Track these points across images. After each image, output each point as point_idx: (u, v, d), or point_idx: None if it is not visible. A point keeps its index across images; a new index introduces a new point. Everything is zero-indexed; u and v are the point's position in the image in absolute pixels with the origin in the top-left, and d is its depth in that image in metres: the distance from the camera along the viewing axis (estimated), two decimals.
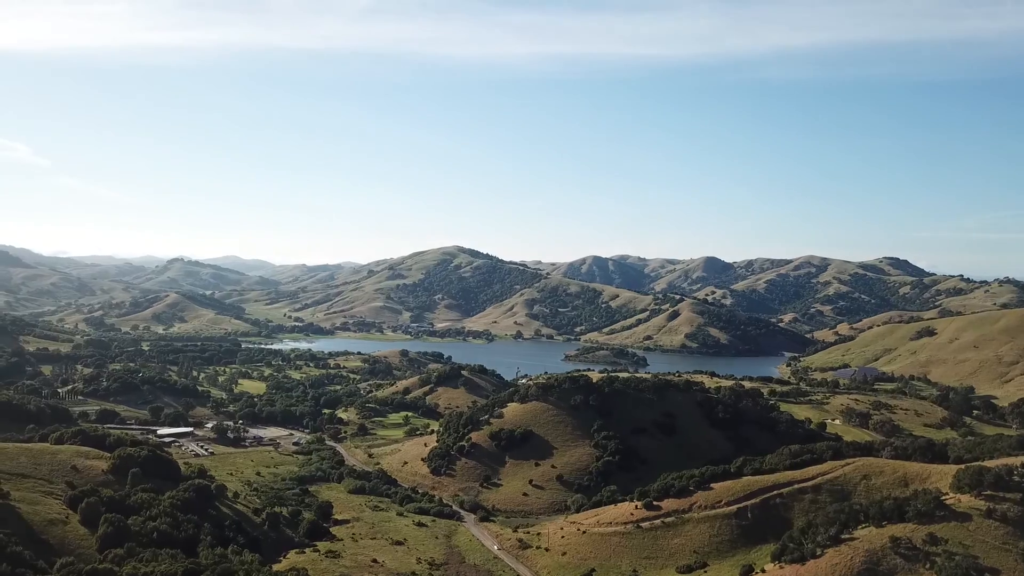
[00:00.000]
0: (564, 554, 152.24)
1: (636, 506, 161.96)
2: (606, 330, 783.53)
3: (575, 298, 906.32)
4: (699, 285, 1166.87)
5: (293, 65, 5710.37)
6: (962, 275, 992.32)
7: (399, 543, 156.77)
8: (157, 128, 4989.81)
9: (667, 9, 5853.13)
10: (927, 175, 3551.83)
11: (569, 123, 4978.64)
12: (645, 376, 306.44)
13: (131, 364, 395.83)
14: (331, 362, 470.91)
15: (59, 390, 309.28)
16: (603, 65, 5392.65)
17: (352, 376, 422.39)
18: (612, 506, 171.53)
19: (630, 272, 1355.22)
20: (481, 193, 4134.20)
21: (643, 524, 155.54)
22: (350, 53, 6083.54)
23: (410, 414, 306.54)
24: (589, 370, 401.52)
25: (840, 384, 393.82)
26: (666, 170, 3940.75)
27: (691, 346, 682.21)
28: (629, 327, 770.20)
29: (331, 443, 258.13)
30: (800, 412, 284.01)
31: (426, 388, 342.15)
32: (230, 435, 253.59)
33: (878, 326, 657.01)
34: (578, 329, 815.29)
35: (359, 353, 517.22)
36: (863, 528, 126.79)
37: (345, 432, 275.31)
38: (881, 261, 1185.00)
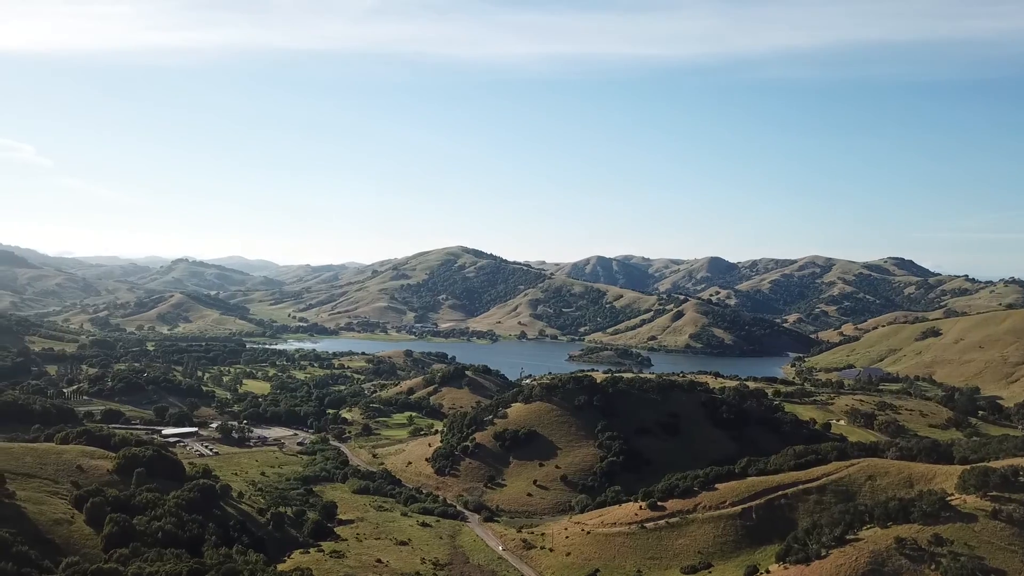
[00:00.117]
0: (568, 554, 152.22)
1: (640, 506, 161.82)
2: (610, 330, 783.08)
3: (579, 298, 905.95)
4: (703, 285, 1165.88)
5: (295, 66, 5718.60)
6: (967, 275, 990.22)
7: (403, 543, 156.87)
8: (160, 129, 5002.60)
9: (668, 9, 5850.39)
10: (932, 175, 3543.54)
11: (572, 123, 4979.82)
12: (649, 376, 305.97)
13: (136, 364, 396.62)
14: (335, 362, 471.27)
15: (64, 390, 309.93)
16: (605, 65, 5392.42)
17: (356, 376, 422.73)
18: (616, 506, 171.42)
19: (634, 272, 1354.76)
20: (485, 193, 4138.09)
21: (647, 524, 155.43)
22: (352, 54, 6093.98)
23: (414, 414, 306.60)
24: (593, 370, 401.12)
25: (845, 384, 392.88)
26: (670, 170, 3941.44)
27: (695, 346, 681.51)
28: (633, 327, 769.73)
29: (335, 443, 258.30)
30: (805, 413, 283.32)
31: (430, 388, 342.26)
32: (235, 435, 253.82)
33: (883, 326, 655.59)
34: (582, 329, 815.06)
35: (363, 353, 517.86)
36: (868, 529, 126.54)
37: (349, 432, 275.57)
38: (886, 261, 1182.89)
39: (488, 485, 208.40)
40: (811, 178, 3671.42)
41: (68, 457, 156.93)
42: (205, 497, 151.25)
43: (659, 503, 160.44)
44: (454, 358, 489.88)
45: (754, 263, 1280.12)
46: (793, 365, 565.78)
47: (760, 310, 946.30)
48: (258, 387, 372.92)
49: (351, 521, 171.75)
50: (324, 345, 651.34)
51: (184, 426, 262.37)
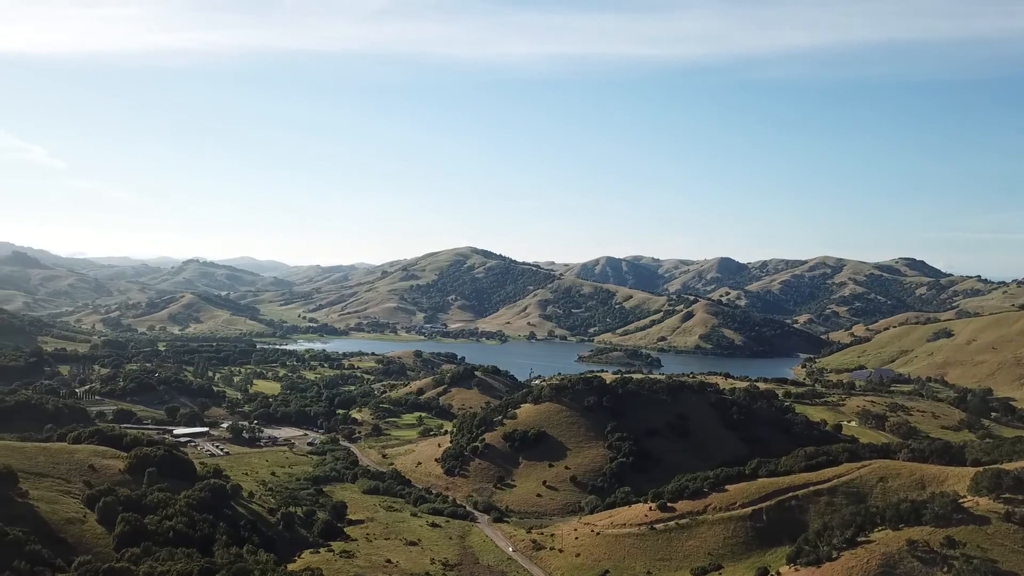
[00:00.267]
0: (578, 555, 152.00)
1: (650, 507, 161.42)
2: (620, 331, 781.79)
3: (588, 299, 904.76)
4: (713, 286, 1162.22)
5: (303, 67, 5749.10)
6: (979, 276, 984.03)
7: (413, 543, 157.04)
8: (170, 130, 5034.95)
9: (671, 9, 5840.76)
10: (943, 175, 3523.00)
11: (579, 123, 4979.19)
12: (659, 377, 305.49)
13: (147, 364, 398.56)
14: (345, 363, 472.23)
15: (77, 390, 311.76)
16: (611, 65, 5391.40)
17: (366, 377, 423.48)
18: (626, 507, 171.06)
19: (644, 273, 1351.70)
20: (494, 194, 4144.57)
21: (657, 526, 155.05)
22: (359, 55, 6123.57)
23: (424, 415, 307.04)
24: (603, 371, 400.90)
25: (856, 386, 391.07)
26: (679, 171, 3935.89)
27: (705, 347, 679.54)
28: (643, 328, 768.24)
29: (345, 443, 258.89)
30: (815, 414, 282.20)
31: (440, 389, 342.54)
32: (245, 435, 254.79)
33: (894, 327, 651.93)
34: (591, 330, 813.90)
35: (373, 354, 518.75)
36: (879, 531, 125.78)
37: (359, 432, 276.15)
38: (897, 262, 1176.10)
39: (497, 485, 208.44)
40: (822, 178, 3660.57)
41: (80, 457, 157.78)
42: (216, 497, 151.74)
43: (669, 504, 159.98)
44: (463, 359, 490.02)
45: (764, 264, 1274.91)
46: (804, 366, 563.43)
47: (770, 311, 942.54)
48: (268, 387, 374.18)
49: (361, 521, 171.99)
50: (334, 345, 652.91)
51: (195, 426, 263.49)
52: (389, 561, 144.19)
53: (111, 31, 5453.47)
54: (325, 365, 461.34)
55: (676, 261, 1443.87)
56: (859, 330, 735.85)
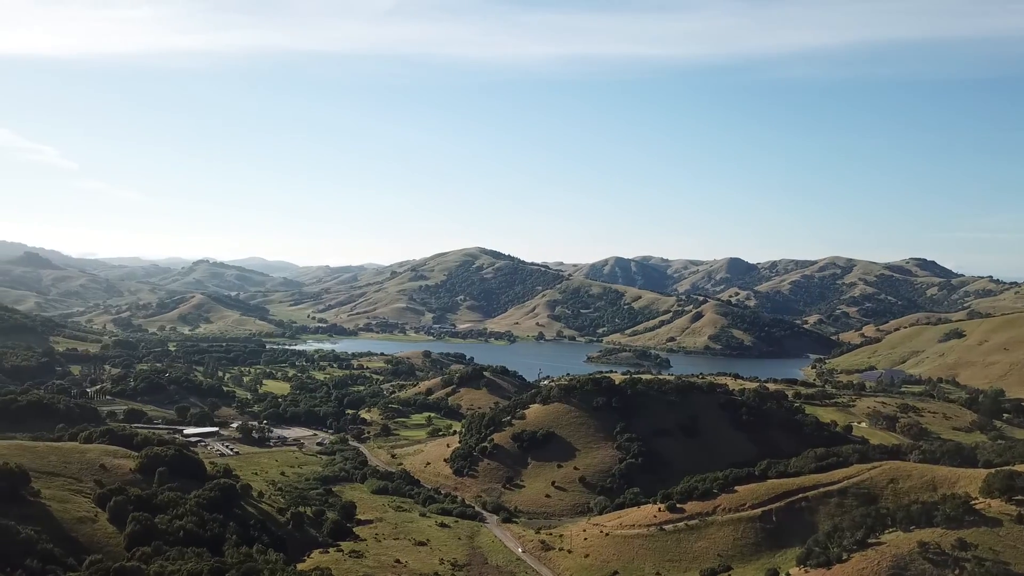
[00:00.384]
0: (587, 556, 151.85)
1: (659, 508, 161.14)
2: (628, 331, 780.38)
3: (597, 299, 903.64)
4: (722, 286, 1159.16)
5: (312, 68, 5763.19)
6: (991, 276, 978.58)
7: (422, 544, 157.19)
8: (180, 131, 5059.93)
9: (683, 10, 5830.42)
10: (954, 174, 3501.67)
11: (589, 124, 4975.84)
12: (668, 378, 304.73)
13: (158, 364, 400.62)
14: (354, 363, 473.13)
15: (88, 390, 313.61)
16: (621, 65, 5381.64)
17: (375, 377, 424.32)
18: (635, 508, 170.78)
19: (653, 273, 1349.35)
20: (503, 194, 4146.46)
21: (666, 527, 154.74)
22: (369, 55, 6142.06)
23: (433, 415, 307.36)
24: (611, 372, 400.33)
25: (866, 386, 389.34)
26: (689, 171, 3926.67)
27: (714, 348, 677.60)
28: (652, 328, 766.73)
29: (354, 443, 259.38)
30: (825, 415, 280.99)
31: (448, 389, 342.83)
32: (255, 435, 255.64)
33: (905, 328, 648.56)
34: (600, 330, 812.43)
35: (382, 354, 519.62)
36: (890, 533, 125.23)
37: (368, 433, 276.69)
38: (908, 262, 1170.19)
39: (506, 486, 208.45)
40: (832, 178, 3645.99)
41: (91, 456, 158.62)
42: (226, 496, 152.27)
43: (678, 505, 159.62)
44: (472, 359, 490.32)
45: (774, 264, 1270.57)
46: (813, 367, 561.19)
47: (780, 311, 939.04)
48: (278, 387, 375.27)
49: (370, 521, 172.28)
50: (343, 346, 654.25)
51: (205, 426, 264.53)
52: (398, 561, 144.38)
53: (122, 33, 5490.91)
54: (334, 365, 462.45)
55: (685, 261, 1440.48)
56: (869, 331, 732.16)
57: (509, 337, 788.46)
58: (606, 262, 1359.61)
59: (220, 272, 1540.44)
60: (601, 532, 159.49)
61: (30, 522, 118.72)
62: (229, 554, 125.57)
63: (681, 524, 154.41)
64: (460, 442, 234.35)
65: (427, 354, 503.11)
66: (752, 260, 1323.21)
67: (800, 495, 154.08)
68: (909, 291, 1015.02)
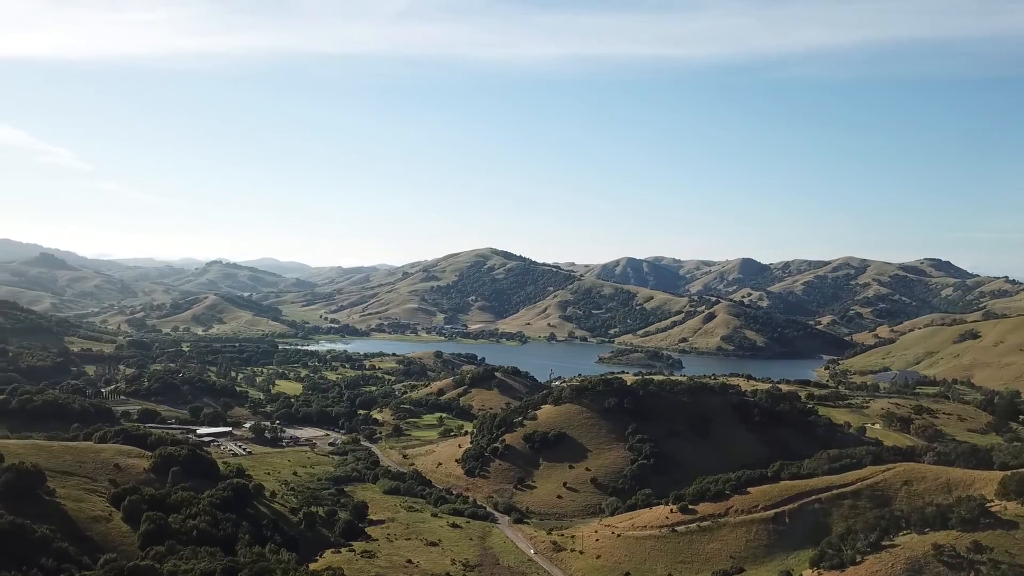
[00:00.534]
0: (599, 557, 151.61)
1: (671, 510, 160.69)
2: (640, 332, 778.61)
3: (609, 300, 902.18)
4: (735, 287, 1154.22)
5: (325, 69, 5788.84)
6: (1007, 276, 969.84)
7: (434, 544, 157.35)
8: (194, 132, 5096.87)
9: (692, 9, 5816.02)
10: (969, 174, 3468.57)
11: (600, 124, 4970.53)
12: (680, 379, 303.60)
13: (171, 365, 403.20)
14: (366, 363, 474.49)
15: (102, 390, 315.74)
16: (632, 66, 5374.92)
17: (387, 377, 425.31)
18: (647, 509, 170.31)
19: (665, 274, 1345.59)
20: (514, 195, 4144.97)
21: (678, 528, 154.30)
22: (380, 57, 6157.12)
23: (444, 415, 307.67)
24: (623, 372, 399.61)
25: (880, 388, 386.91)
26: (701, 171, 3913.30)
27: (727, 348, 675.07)
28: (664, 329, 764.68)
29: (366, 444, 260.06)
30: (839, 416, 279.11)
31: (460, 389, 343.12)
32: (267, 435, 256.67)
33: (919, 329, 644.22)
34: (612, 331, 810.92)
35: (394, 354, 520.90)
36: (904, 535, 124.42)
37: (380, 433, 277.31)
38: (922, 262, 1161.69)
39: (518, 487, 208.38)
40: (845, 179, 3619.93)
41: (106, 456, 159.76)
42: (238, 496, 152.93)
43: (690, 506, 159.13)
44: (483, 359, 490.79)
45: (786, 264, 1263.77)
46: (827, 368, 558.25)
47: (793, 312, 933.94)
48: (290, 388, 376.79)
49: (382, 521, 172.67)
50: (355, 346, 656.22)
51: (218, 426, 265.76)
52: (410, 561, 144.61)
53: (136, 35, 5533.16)
54: (346, 366, 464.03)
55: (697, 262, 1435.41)
56: (883, 331, 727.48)
57: (520, 338, 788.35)
58: (618, 262, 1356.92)
59: (233, 273, 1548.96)
60: (613, 533, 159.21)
61: (45, 521, 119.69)
62: (242, 553, 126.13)
63: (693, 525, 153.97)
64: (472, 442, 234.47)
65: (439, 354, 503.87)
66: (765, 261, 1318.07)
67: (813, 497, 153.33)
68: (924, 292, 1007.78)
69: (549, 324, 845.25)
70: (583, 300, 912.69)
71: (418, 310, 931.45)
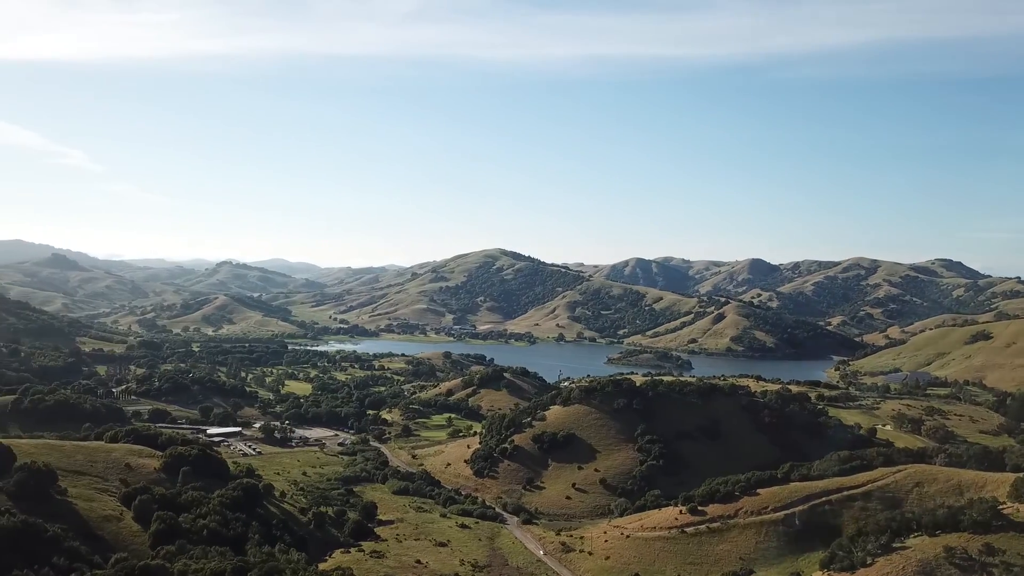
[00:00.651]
0: (607, 558, 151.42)
1: (681, 511, 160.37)
2: (649, 333, 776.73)
3: (618, 300, 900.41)
4: (744, 287, 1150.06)
5: (334, 71, 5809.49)
6: (1019, 277, 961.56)
7: (443, 544, 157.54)
8: (205, 134, 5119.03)
9: (702, 9, 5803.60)
10: (981, 173, 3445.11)
11: (609, 125, 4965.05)
12: (689, 379, 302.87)
13: (182, 365, 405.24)
14: (375, 364, 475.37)
15: (113, 390, 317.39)
16: (640, 66, 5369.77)
17: (396, 378, 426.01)
18: (656, 511, 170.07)
19: (674, 274, 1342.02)
20: (523, 196, 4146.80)
21: (688, 529, 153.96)
22: (390, 58, 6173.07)
23: (453, 416, 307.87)
24: (632, 373, 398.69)
25: (891, 389, 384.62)
26: (710, 171, 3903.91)
27: (736, 349, 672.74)
28: (673, 330, 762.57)
29: (375, 444, 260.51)
30: (849, 417, 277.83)
31: (469, 390, 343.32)
32: (277, 435, 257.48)
33: (930, 329, 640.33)
34: (621, 332, 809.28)
35: (403, 355, 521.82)
36: (915, 537, 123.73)
37: (389, 433, 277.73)
38: (933, 263, 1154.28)
39: (527, 487, 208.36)
40: (855, 179, 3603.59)
41: (117, 455, 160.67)
42: (248, 496, 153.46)
43: (700, 508, 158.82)
44: (492, 360, 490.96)
45: (796, 265, 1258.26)
46: (837, 368, 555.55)
47: (803, 313, 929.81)
48: (300, 388, 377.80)
49: (391, 522, 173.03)
50: (364, 347, 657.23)
51: (228, 426, 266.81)
52: (419, 562, 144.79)
53: (147, 37, 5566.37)
54: (356, 366, 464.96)
55: (707, 262, 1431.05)
56: (894, 332, 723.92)
57: (529, 338, 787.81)
58: (627, 263, 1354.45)
59: (243, 273, 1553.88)
60: (622, 534, 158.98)
61: (57, 520, 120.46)
62: (252, 553, 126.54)
63: (703, 527, 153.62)
64: (480, 443, 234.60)
65: (447, 355, 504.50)
66: (774, 261, 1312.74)
67: (823, 498, 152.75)
68: (935, 292, 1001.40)
69: (558, 325, 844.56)
70: (592, 301, 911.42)
71: (427, 311, 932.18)
